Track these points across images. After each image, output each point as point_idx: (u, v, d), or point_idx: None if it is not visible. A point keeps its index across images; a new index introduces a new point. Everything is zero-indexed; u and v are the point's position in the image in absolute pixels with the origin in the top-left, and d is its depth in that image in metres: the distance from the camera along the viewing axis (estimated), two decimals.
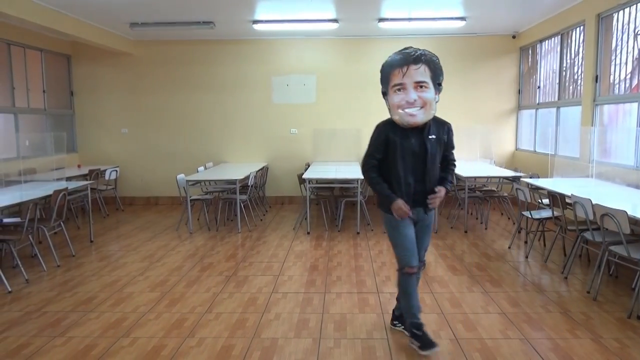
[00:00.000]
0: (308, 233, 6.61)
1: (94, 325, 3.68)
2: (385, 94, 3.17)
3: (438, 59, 3.11)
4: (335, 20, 7.35)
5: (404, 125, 3.10)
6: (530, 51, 8.22)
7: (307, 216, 6.77)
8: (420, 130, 3.13)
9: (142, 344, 3.36)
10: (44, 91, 8.16)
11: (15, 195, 5.20)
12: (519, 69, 8.53)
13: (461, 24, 7.43)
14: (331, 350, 3.25)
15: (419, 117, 3.05)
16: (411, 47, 3.09)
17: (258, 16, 7.14)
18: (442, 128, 3.22)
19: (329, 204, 7.69)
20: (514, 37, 8.41)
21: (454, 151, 3.46)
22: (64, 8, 6.44)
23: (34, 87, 7.93)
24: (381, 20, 7.30)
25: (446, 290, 4.36)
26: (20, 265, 4.85)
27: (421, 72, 3.01)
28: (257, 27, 7.57)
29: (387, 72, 3.11)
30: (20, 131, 7.51)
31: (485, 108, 8.64)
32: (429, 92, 3.04)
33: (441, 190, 3.16)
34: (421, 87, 3.02)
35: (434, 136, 3.15)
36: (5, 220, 5.30)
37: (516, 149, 8.69)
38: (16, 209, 5.15)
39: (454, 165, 3.36)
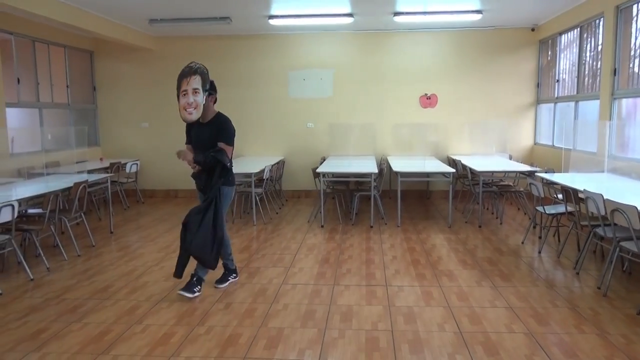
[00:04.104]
0: (322, 226, 6.69)
1: (109, 312, 3.83)
2: (178, 97, 4.06)
3: (207, 71, 4.06)
4: (350, 15, 7.37)
5: (185, 121, 4.08)
6: (549, 44, 8.09)
7: (321, 209, 6.84)
8: (205, 126, 4.10)
9: (153, 331, 3.49)
10: (67, 86, 8.40)
11: (38, 187, 5.41)
12: (538, 62, 8.40)
13: (477, 17, 7.36)
14: (335, 341, 3.32)
15: (194, 115, 4.00)
16: (193, 62, 4.10)
17: (274, 11, 7.21)
18: (217, 123, 4.11)
19: (343, 198, 7.75)
20: (533, 29, 8.29)
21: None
22: (86, 5, 6.62)
23: (58, 82, 8.17)
24: (396, 14, 7.28)
25: (454, 284, 4.38)
26: (42, 255, 5.05)
27: (197, 81, 3.98)
28: (273, 22, 7.65)
29: (178, 81, 4.07)
30: (44, 125, 7.76)
31: (503, 102, 8.56)
32: (200, 97, 3.99)
33: (186, 155, 4.05)
34: (195, 92, 3.98)
35: (209, 129, 4.08)
36: (30, 210, 5.52)
37: (535, 144, 8.58)
38: (40, 200, 5.34)
39: (216, 152, 4.03)
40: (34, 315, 3.79)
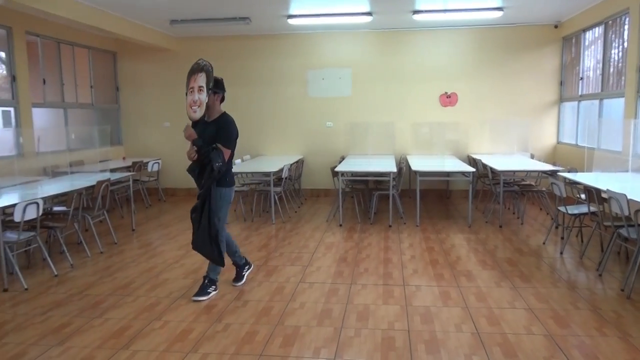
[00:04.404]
0: (340, 225, 6.69)
1: (130, 308, 3.90)
2: (187, 94, 4.03)
3: (212, 68, 3.97)
4: (369, 14, 7.35)
5: (191, 119, 4.04)
6: (573, 41, 7.93)
7: (340, 209, 6.84)
8: (209, 124, 4.03)
9: (172, 327, 3.55)
10: (91, 87, 8.58)
11: (62, 185, 5.54)
12: (561, 59, 8.25)
13: (498, 14, 7.26)
14: (351, 340, 3.32)
15: (197, 113, 3.95)
16: (201, 59, 4.05)
17: (293, 11, 7.24)
18: (220, 123, 4.04)
19: (362, 197, 7.74)
20: (556, 26, 8.13)
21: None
22: (109, 7, 6.75)
23: (82, 83, 8.35)
24: (416, 12, 7.23)
25: (473, 285, 4.33)
26: (66, 251, 5.18)
27: (202, 79, 3.92)
28: (291, 21, 7.67)
29: (187, 78, 4.05)
30: (69, 125, 7.94)
31: (525, 100, 8.42)
32: (204, 95, 3.91)
33: (192, 133, 3.96)
34: (200, 90, 3.92)
35: (211, 128, 4.00)
36: (54, 208, 5.66)
37: (558, 142, 8.43)
38: (64, 198, 5.48)
39: (212, 149, 3.94)
40: (58, 310, 3.89)
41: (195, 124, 4.08)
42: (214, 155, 3.89)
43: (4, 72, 6.76)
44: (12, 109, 6.72)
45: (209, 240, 4.00)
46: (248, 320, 3.65)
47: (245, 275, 4.50)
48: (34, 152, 7.01)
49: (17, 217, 4.31)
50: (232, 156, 4.11)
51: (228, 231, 4.39)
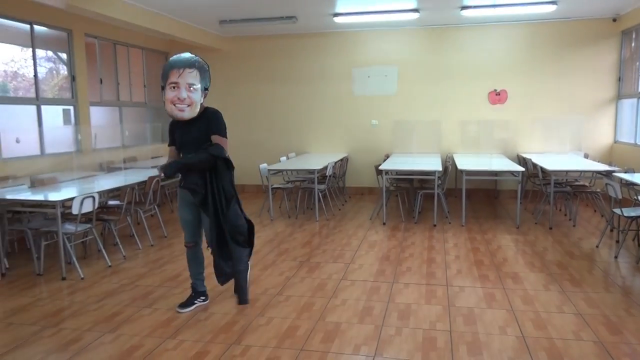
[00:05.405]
0: (384, 224, 6.66)
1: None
2: (163, 88, 3.55)
3: (209, 67, 3.68)
4: (416, 10, 7.26)
5: (174, 117, 3.59)
6: (633, 35, 7.54)
7: (384, 207, 6.81)
8: (192, 123, 3.60)
9: (216, 319, 3.65)
10: (144, 86, 8.92)
11: (116, 180, 5.81)
12: (620, 54, 7.85)
13: (552, 8, 6.99)
14: (392, 338, 3.32)
15: (186, 113, 3.53)
16: (189, 53, 3.66)
17: (339, 9, 7.26)
18: (206, 116, 3.64)
19: (406, 196, 7.67)
20: (614, 20, 7.75)
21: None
22: (162, 9, 7.00)
23: (136, 82, 8.70)
24: (464, 8, 7.08)
25: (519, 287, 4.22)
26: (119, 243, 5.42)
27: (193, 76, 3.51)
28: (338, 20, 7.69)
29: (167, 70, 3.54)
30: (124, 123, 8.30)
31: (578, 97, 8.08)
32: (196, 94, 3.53)
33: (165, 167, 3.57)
34: (191, 88, 3.50)
35: (198, 124, 3.60)
36: (109, 202, 5.94)
37: (615, 142, 8.04)
38: (118, 193, 5.74)
39: (209, 146, 3.57)
40: (111, 299, 4.09)
41: (174, 126, 3.70)
42: (215, 150, 3.53)
43: (65, 72, 7.14)
44: (71, 108, 7.10)
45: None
46: (290, 315, 3.71)
47: (196, 305, 3.89)
48: (91, 149, 7.37)
49: (75, 210, 4.56)
50: None
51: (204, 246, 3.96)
